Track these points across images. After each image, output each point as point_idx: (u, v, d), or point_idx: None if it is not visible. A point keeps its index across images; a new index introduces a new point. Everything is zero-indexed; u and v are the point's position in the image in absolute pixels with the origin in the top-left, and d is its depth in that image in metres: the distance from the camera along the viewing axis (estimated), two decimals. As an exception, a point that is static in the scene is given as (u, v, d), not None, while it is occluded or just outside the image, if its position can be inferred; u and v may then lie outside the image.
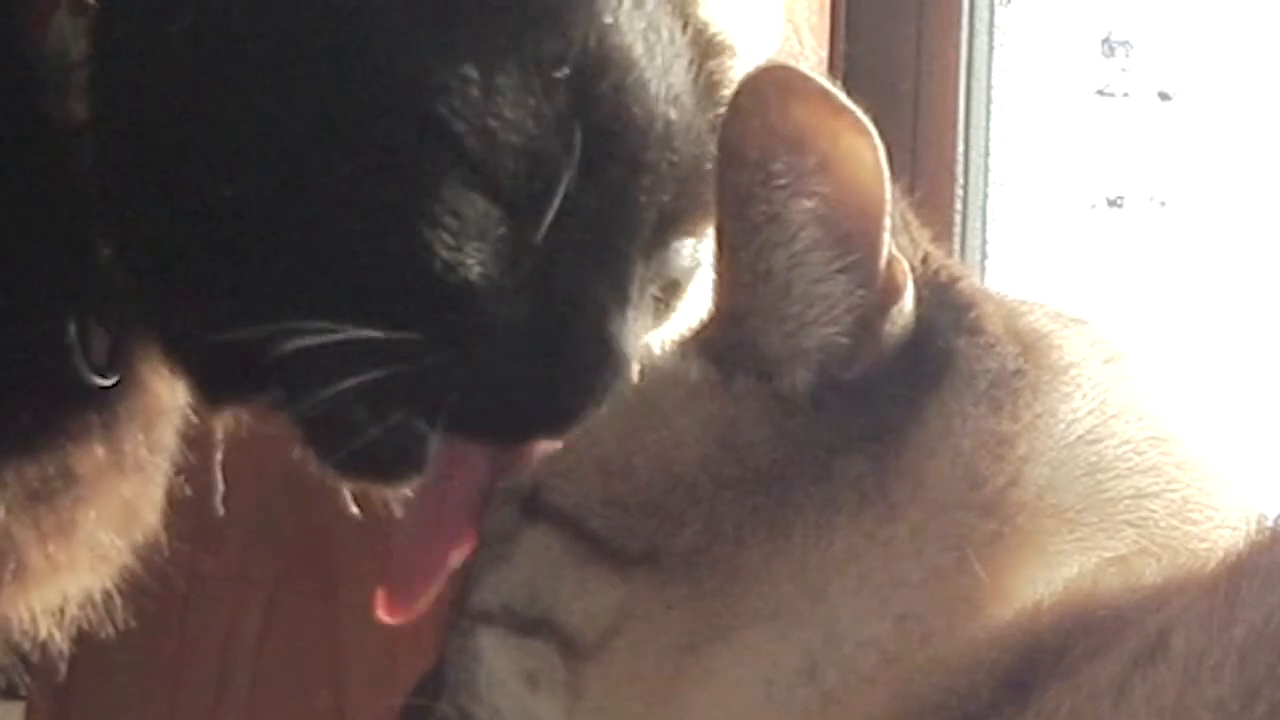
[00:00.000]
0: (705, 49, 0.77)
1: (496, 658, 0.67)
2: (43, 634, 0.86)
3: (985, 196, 1.53)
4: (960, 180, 1.52)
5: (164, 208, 0.72)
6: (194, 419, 0.88)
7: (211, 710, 1.20)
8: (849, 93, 0.63)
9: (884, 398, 0.63)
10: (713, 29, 0.78)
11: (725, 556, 0.62)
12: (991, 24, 1.56)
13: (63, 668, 0.87)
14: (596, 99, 0.70)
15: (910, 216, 0.68)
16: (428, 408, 0.70)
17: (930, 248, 0.67)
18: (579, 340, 0.71)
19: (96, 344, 0.78)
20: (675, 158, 0.72)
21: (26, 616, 0.84)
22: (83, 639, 0.87)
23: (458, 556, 0.73)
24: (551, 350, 0.70)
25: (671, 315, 0.78)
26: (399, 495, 0.79)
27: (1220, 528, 0.63)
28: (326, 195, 0.68)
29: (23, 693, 1.08)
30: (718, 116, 0.73)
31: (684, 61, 0.74)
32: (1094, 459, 0.62)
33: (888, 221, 0.63)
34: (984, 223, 1.53)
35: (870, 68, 1.49)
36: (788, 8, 1.28)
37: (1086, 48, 1.58)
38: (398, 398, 0.70)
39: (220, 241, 0.71)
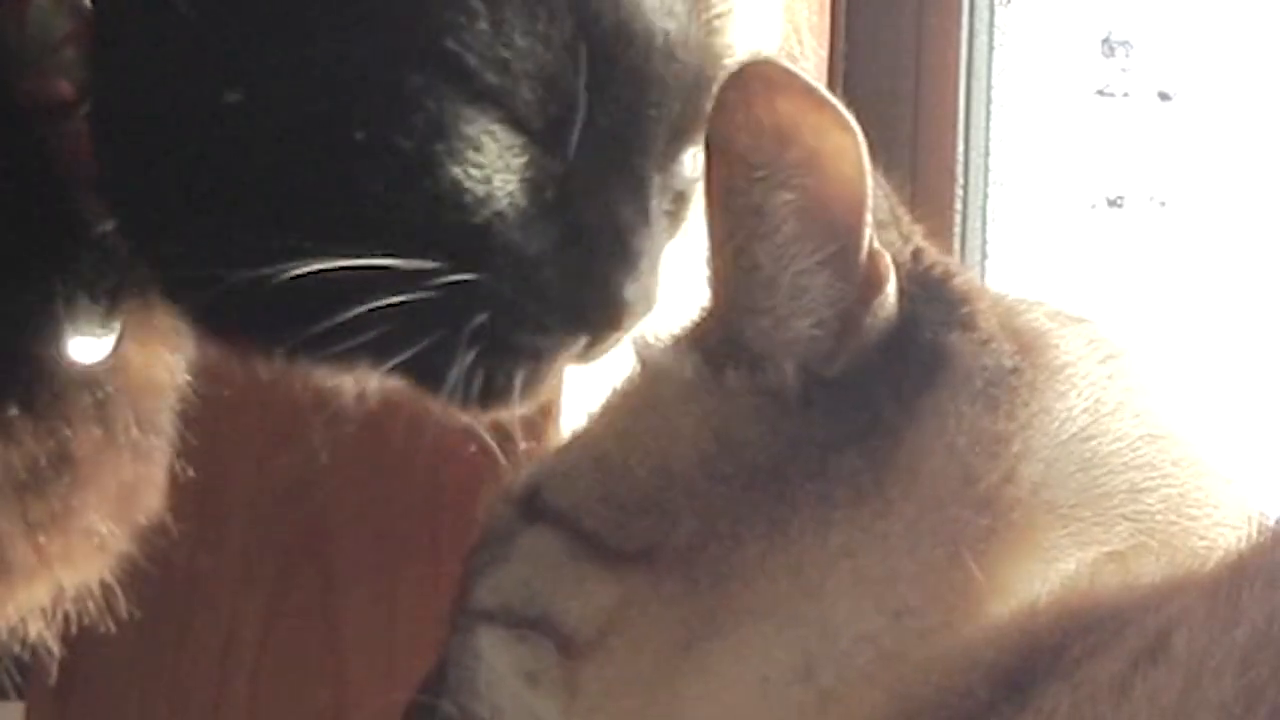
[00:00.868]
0: None
1: (496, 656, 0.67)
2: (34, 633, 0.85)
3: (985, 196, 1.53)
4: (960, 180, 1.52)
5: (176, 162, 0.72)
6: (194, 398, 0.87)
7: (211, 710, 1.20)
8: (849, 93, 0.63)
9: (876, 393, 0.63)
10: None
11: (721, 554, 0.63)
12: (991, 24, 1.56)
13: (54, 667, 0.86)
14: (598, 17, 0.70)
15: (901, 211, 0.68)
16: (474, 337, 0.71)
17: (923, 243, 0.68)
18: (608, 261, 0.71)
19: (85, 320, 0.78)
20: (678, 68, 0.73)
21: (15, 615, 0.84)
22: (82, 639, 0.87)
23: None
24: (583, 273, 0.71)
25: (681, 227, 0.78)
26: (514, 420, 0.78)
27: (1219, 525, 0.63)
28: (346, 145, 0.68)
29: (21, 693, 1.07)
30: (709, 24, 0.75)
31: None
32: (1088, 455, 0.63)
33: (869, 215, 0.64)
34: (984, 223, 1.53)
35: (870, 68, 1.49)
36: (788, 8, 1.28)
37: (1086, 48, 1.58)
38: (442, 331, 0.70)
39: (240, 193, 0.71)
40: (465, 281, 0.69)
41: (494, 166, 0.69)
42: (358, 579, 1.18)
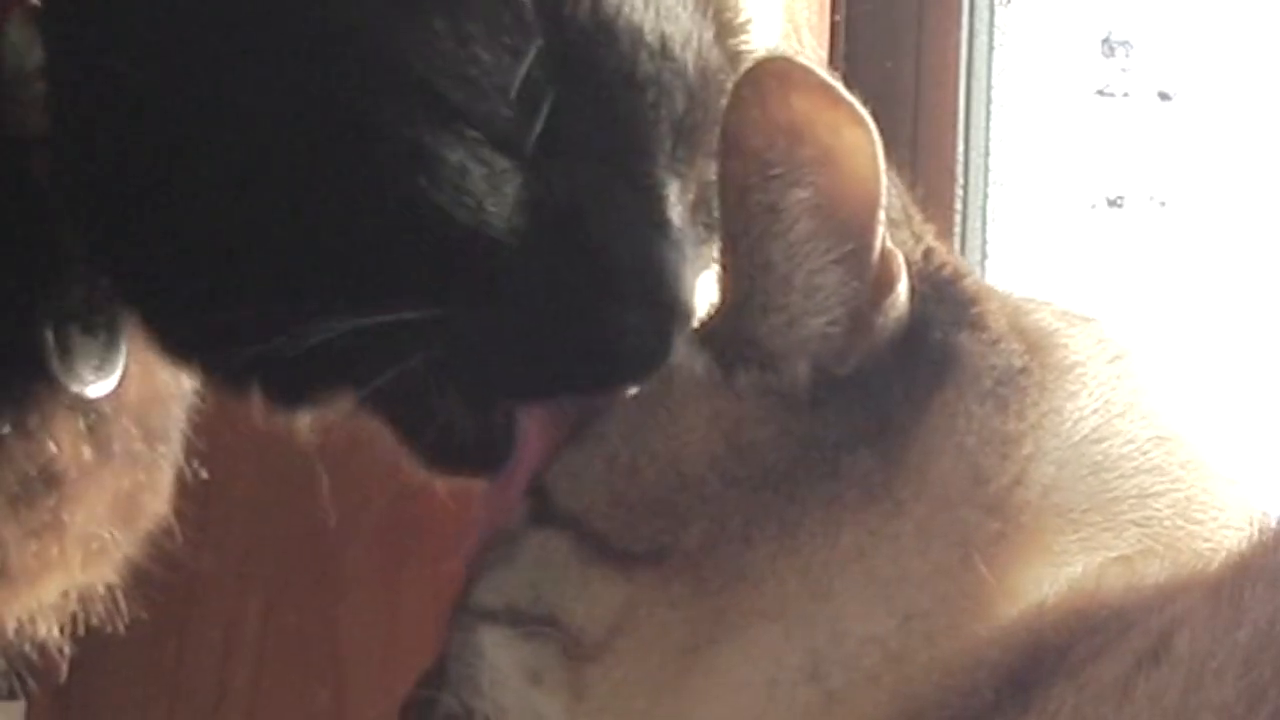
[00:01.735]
0: None
1: (500, 655, 0.67)
2: (42, 633, 0.85)
3: (985, 196, 1.53)
4: (960, 180, 1.52)
5: (136, 203, 0.70)
6: (201, 404, 0.87)
7: (211, 710, 1.20)
8: (848, 92, 0.63)
9: (886, 393, 0.63)
10: None
11: (731, 555, 0.62)
12: (991, 24, 1.56)
13: (64, 666, 0.86)
14: (575, 18, 0.67)
15: (913, 210, 0.68)
16: (481, 381, 0.68)
17: (935, 243, 0.68)
18: (626, 271, 0.67)
19: (83, 354, 0.77)
20: (676, 66, 0.70)
21: (23, 616, 0.84)
22: (83, 639, 0.87)
23: None
24: (602, 290, 0.67)
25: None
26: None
27: (1224, 527, 0.63)
28: (323, 183, 0.65)
29: (23, 693, 1.07)
30: (721, 26, 0.73)
31: None
32: (1099, 458, 0.63)
33: (882, 214, 0.63)
34: (984, 223, 1.53)
35: (870, 68, 1.49)
36: (788, 8, 1.28)
37: (1086, 48, 1.58)
38: (448, 377, 0.67)
39: (220, 245, 0.68)
40: (479, 327, 0.66)
41: (480, 190, 0.66)
42: (358, 579, 1.18)
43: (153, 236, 0.70)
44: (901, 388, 0.63)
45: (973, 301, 0.66)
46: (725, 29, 0.75)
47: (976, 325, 0.65)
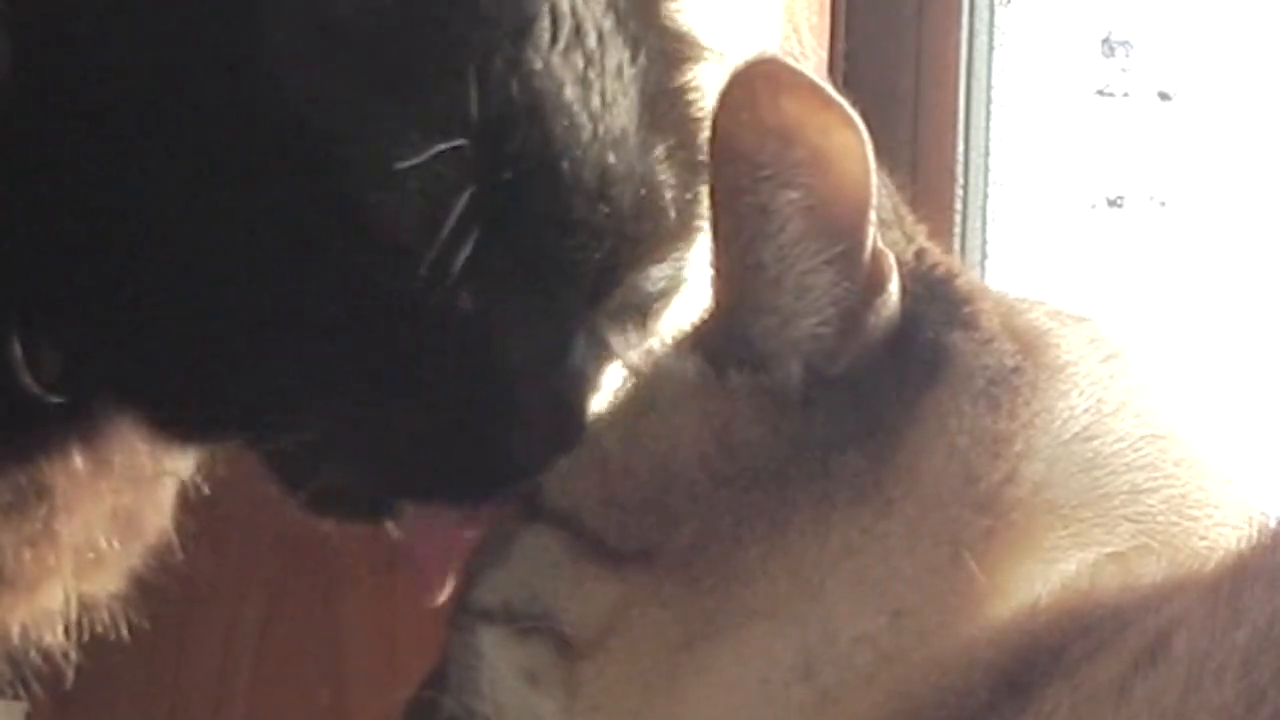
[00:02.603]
0: (671, 59, 0.73)
1: (497, 656, 0.67)
2: (47, 639, 0.85)
3: (985, 196, 1.53)
4: (960, 180, 1.52)
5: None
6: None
7: (211, 710, 1.20)
8: (849, 93, 0.63)
9: (877, 393, 0.63)
10: (681, 31, 0.74)
11: (722, 554, 0.62)
12: (991, 24, 1.56)
13: (69, 672, 0.86)
14: (517, 156, 0.66)
15: (905, 211, 0.68)
16: (381, 480, 0.71)
17: (926, 243, 0.68)
18: (520, 404, 0.69)
19: (49, 363, 0.77)
20: (609, 209, 0.68)
21: (27, 621, 0.84)
22: (82, 640, 0.87)
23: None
24: (496, 414, 0.69)
25: (652, 334, 0.76)
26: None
27: (1220, 526, 0.63)
28: (254, 293, 0.66)
29: (25, 696, 1.07)
30: (686, 127, 0.72)
31: (634, 91, 0.70)
32: (1090, 455, 0.63)
33: (873, 215, 0.63)
34: (984, 223, 1.53)
35: (870, 68, 1.49)
36: (788, 8, 1.29)
37: (1086, 48, 1.58)
38: (349, 466, 0.70)
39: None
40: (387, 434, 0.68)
41: (391, 313, 0.66)
42: (358, 579, 1.18)
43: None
44: (893, 387, 0.63)
45: (965, 301, 0.66)
46: (674, 58, 0.73)
47: (969, 325, 0.65)
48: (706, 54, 0.75)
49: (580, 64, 0.68)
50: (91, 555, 0.82)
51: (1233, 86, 1.53)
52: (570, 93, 0.67)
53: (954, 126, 1.52)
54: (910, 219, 0.68)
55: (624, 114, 0.69)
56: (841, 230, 0.64)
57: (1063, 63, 1.58)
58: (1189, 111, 1.55)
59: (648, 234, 0.71)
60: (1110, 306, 1.46)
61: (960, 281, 0.67)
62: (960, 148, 1.52)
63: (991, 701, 0.56)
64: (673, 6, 0.75)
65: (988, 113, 1.54)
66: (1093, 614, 0.57)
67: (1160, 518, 0.62)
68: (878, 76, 1.49)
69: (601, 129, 0.68)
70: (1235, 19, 1.52)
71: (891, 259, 0.64)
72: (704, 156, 0.70)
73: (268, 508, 1.18)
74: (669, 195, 0.71)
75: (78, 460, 0.78)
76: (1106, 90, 1.57)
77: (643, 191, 0.70)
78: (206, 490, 0.88)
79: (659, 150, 0.71)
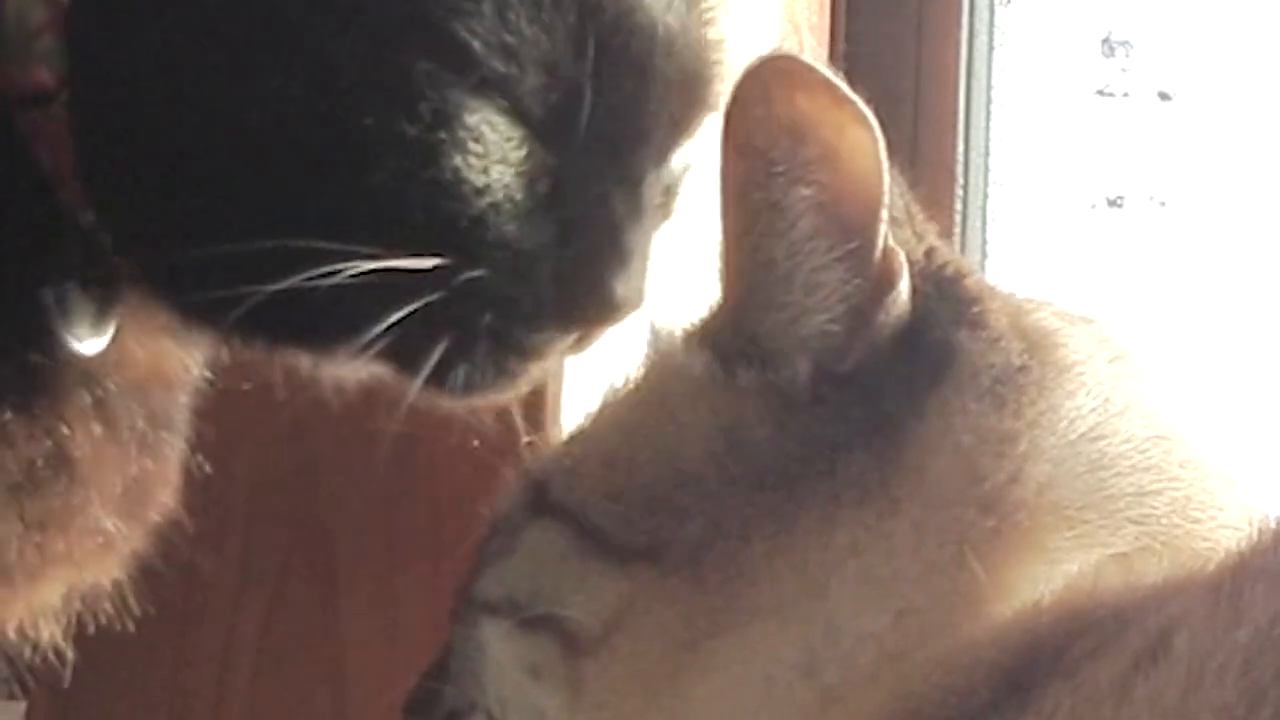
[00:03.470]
0: None
1: (500, 649, 0.67)
2: (45, 638, 0.84)
3: (985, 196, 1.54)
4: (960, 180, 1.52)
5: (160, 159, 0.70)
6: (210, 391, 0.87)
7: (211, 710, 1.20)
8: (852, 91, 0.63)
9: (884, 391, 0.63)
10: None
11: (728, 552, 0.62)
12: (991, 24, 1.56)
13: (67, 670, 0.86)
14: (601, 7, 0.68)
15: (915, 209, 0.68)
16: (467, 330, 0.70)
17: (937, 242, 0.68)
18: (601, 257, 0.70)
19: (78, 311, 0.77)
20: (677, 63, 0.71)
21: (25, 618, 0.83)
22: (83, 638, 0.87)
23: None
24: (576, 269, 0.70)
25: (670, 217, 0.77)
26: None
27: (1223, 527, 0.63)
28: (343, 130, 0.67)
29: (23, 694, 1.07)
30: (703, 18, 0.74)
31: None
32: (1096, 456, 0.63)
33: (884, 212, 0.63)
34: (984, 223, 1.53)
35: (870, 68, 1.49)
36: (788, 8, 1.28)
37: (1086, 48, 1.58)
38: (436, 324, 0.69)
39: (230, 190, 0.69)
40: (459, 275, 0.68)
41: (492, 157, 0.68)
42: (358, 579, 1.18)
43: (164, 177, 0.70)
44: (901, 385, 0.63)
45: (974, 300, 0.66)
46: (702, 20, 0.76)
47: (977, 324, 0.65)
48: None
49: None
50: (101, 540, 0.81)
51: (1233, 86, 1.53)
52: None
53: (954, 126, 1.52)
54: (921, 217, 0.68)
55: None
56: (853, 227, 0.64)
57: (1063, 63, 1.58)
58: (1189, 111, 1.55)
59: (698, 100, 0.72)
60: (1110, 306, 1.46)
61: (969, 280, 0.67)
62: (960, 148, 1.52)
63: (993, 700, 0.56)
64: None
65: (988, 113, 1.55)
66: (1094, 614, 0.57)
67: (1164, 520, 0.62)
68: (878, 76, 1.49)
69: None
70: (1235, 19, 1.52)
71: (902, 257, 0.64)
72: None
73: (268, 507, 1.18)
74: (711, 62, 0.73)
75: (96, 426, 0.78)
76: (1106, 90, 1.57)
77: (695, 55, 0.72)
78: (208, 469, 0.87)
79: (698, 25, 0.74)
